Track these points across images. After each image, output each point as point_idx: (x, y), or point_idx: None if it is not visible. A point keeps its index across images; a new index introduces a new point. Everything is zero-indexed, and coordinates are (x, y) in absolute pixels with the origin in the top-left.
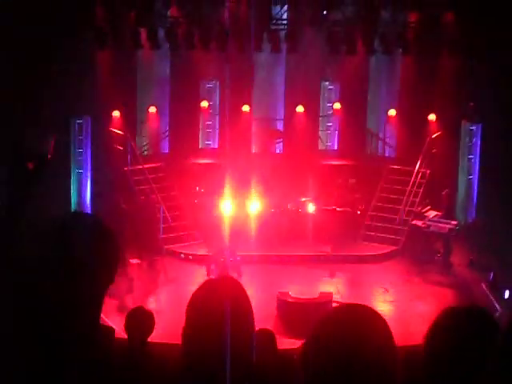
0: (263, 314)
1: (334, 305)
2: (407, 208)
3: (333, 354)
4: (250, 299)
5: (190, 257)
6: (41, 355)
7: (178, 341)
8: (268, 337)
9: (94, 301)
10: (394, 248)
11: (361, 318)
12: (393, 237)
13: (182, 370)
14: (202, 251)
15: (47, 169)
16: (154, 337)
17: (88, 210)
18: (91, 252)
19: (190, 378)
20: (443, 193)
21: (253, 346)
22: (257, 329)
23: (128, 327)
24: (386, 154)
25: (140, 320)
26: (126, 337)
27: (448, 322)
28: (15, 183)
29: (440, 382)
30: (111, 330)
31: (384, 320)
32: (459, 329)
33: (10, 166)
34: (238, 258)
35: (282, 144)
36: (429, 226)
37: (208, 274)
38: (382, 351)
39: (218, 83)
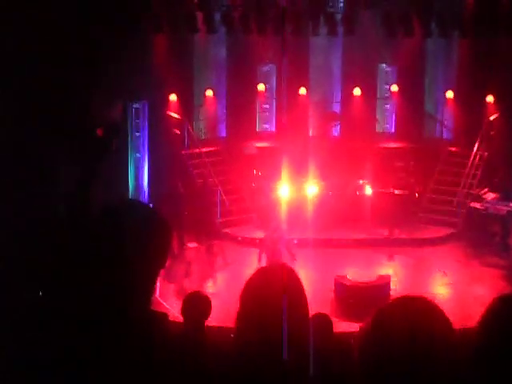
0: (321, 297)
1: (391, 291)
2: (465, 190)
3: (392, 344)
4: (308, 282)
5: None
6: (93, 339)
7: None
8: (324, 321)
9: (145, 286)
10: (451, 231)
11: (420, 309)
12: (451, 219)
13: (236, 355)
14: (259, 235)
15: (119, 135)
16: (212, 320)
17: (146, 193)
18: (142, 239)
19: (244, 362)
20: (498, 176)
21: (308, 331)
22: (314, 313)
23: (184, 312)
24: (444, 137)
25: (196, 305)
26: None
27: (501, 310)
28: (87, 152)
29: (490, 369)
30: (164, 315)
31: (443, 313)
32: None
33: (80, 135)
34: (295, 241)
35: (339, 127)
36: (487, 209)
37: (259, 258)
38: (440, 342)
39: (274, 66)
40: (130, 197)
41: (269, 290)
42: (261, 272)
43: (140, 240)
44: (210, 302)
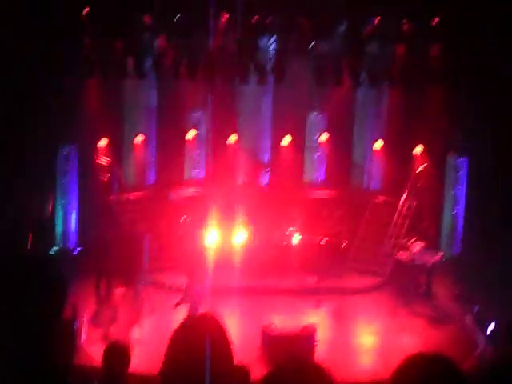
0: (247, 346)
1: (317, 342)
2: (393, 240)
3: None
4: (235, 330)
5: (174, 287)
6: None
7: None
8: (242, 373)
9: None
10: (379, 280)
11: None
12: (378, 269)
13: None
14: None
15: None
16: (136, 366)
17: (74, 239)
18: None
19: None
20: (423, 224)
21: (231, 381)
22: (240, 360)
23: (104, 362)
24: (372, 186)
25: (116, 356)
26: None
27: (410, 370)
28: None
29: None
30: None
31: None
32: (421, 378)
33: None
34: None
35: (268, 175)
36: (413, 259)
37: (176, 305)
38: None
39: (205, 113)
40: (57, 244)
41: (194, 340)
42: (187, 322)
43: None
44: (129, 352)
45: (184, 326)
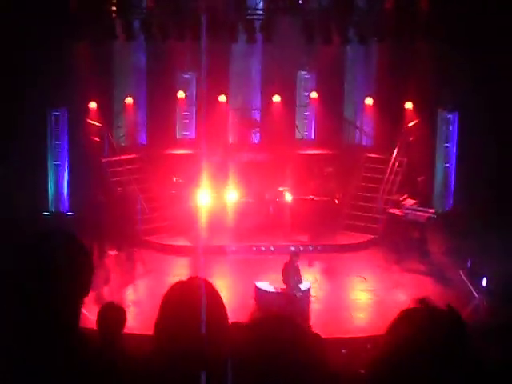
0: (241, 305)
1: (312, 297)
2: (385, 196)
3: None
4: (229, 290)
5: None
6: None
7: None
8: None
9: (70, 311)
10: (372, 237)
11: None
12: (371, 225)
13: (155, 363)
14: (180, 242)
15: None
16: (131, 328)
17: (66, 201)
18: (65, 268)
19: (163, 370)
20: (419, 179)
21: (227, 341)
22: (233, 320)
23: (99, 323)
24: (363, 143)
25: (110, 316)
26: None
27: (401, 323)
28: None
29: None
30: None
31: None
32: (418, 329)
33: None
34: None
35: (258, 134)
36: (406, 215)
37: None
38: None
39: (194, 74)
40: (50, 210)
41: (186, 301)
42: (179, 284)
43: (62, 268)
44: (124, 312)
45: (174, 289)
